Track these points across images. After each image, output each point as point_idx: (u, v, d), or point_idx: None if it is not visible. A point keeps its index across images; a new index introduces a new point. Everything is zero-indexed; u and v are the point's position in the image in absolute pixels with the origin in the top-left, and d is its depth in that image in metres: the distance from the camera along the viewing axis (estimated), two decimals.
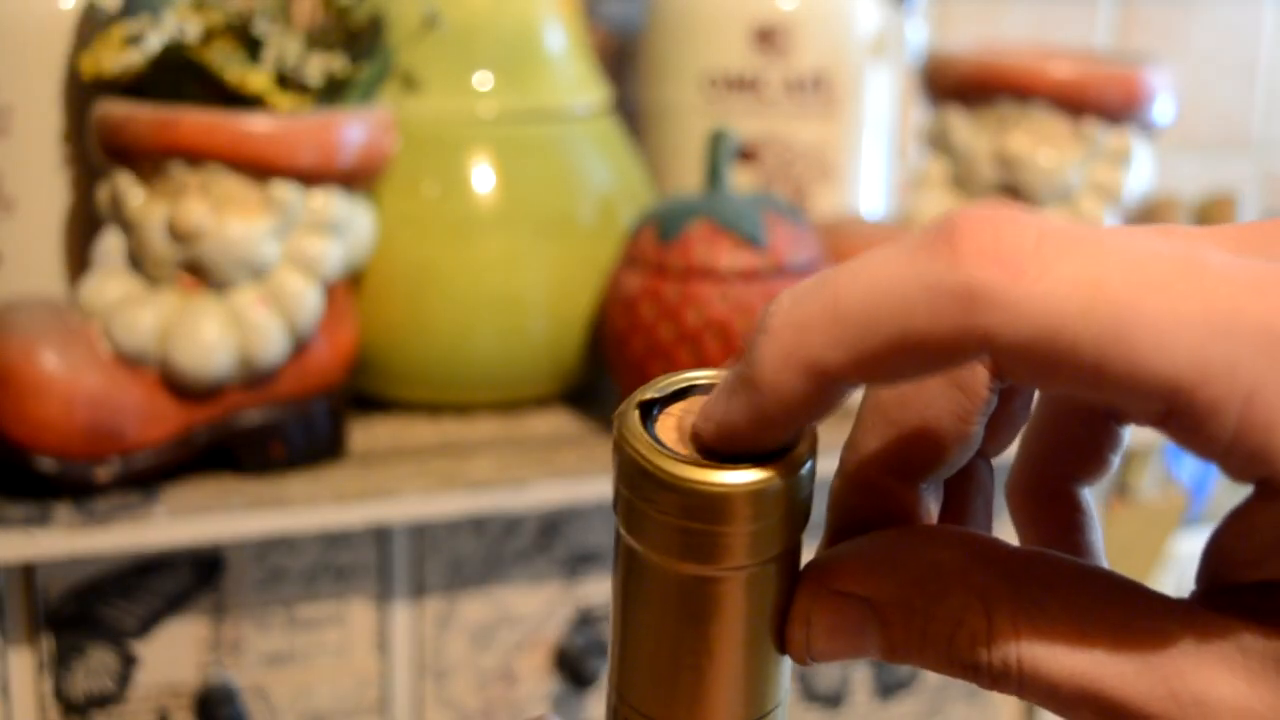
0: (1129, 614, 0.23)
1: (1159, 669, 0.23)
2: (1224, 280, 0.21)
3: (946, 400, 0.25)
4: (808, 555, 0.26)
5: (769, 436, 0.24)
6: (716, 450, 0.24)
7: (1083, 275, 0.21)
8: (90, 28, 0.77)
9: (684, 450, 0.24)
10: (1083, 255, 0.21)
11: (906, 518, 0.26)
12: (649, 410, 0.25)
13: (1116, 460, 0.29)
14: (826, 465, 0.25)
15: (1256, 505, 0.22)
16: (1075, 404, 0.29)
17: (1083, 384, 0.21)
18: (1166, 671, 0.23)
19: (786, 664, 0.26)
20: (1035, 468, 0.29)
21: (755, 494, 0.24)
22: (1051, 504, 0.29)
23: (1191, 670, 0.22)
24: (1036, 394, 0.28)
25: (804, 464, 0.24)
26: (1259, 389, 0.21)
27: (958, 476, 0.28)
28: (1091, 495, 0.30)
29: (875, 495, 0.26)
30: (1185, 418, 0.21)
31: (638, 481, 0.24)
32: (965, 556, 0.24)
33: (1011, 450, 0.29)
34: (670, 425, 0.25)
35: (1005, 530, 0.28)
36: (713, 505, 0.24)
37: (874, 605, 0.25)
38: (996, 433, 0.28)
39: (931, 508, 0.27)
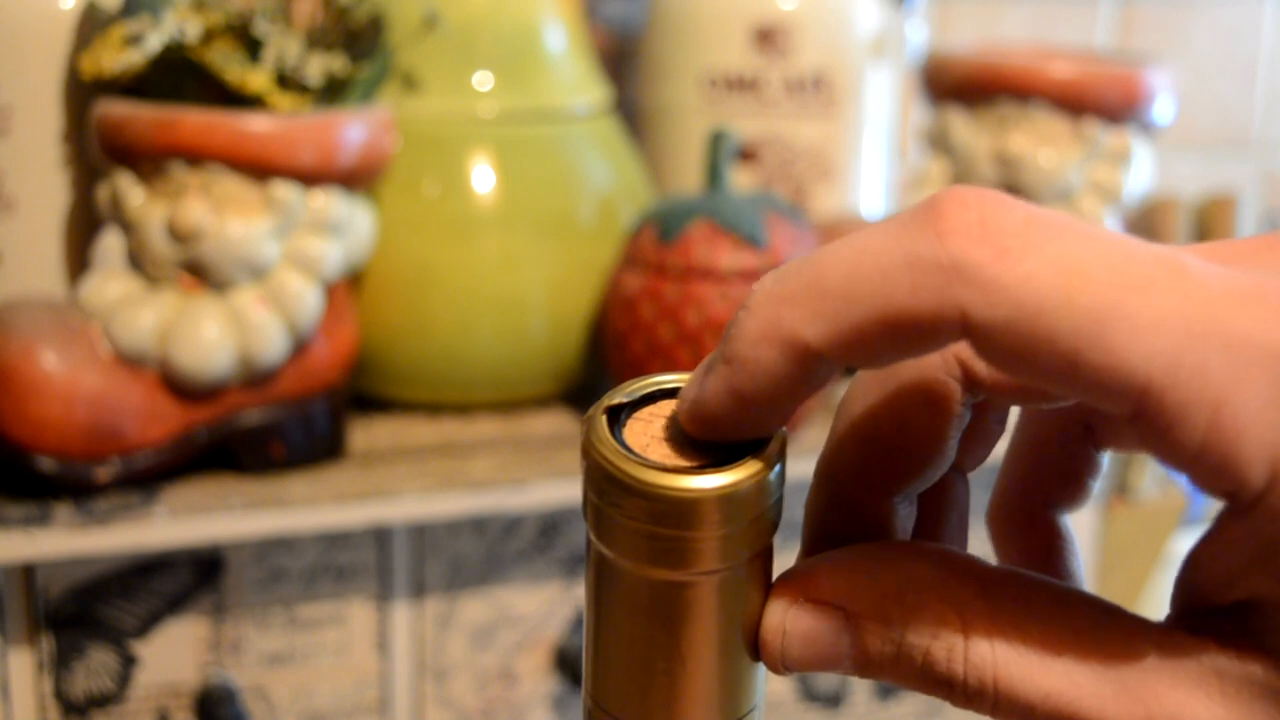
0: (1106, 635, 0.23)
1: (1135, 690, 0.22)
2: (1202, 286, 0.21)
3: (919, 414, 0.25)
4: (783, 566, 0.26)
5: (745, 418, 0.24)
6: (691, 433, 0.24)
7: (1066, 262, 0.21)
8: (90, 28, 0.77)
9: (652, 455, 0.24)
10: (1067, 242, 0.21)
11: (881, 531, 0.26)
12: (617, 415, 0.25)
13: (1096, 486, 0.29)
14: (803, 468, 0.25)
15: (1226, 523, 0.22)
16: (1053, 428, 0.28)
17: (1056, 374, 0.21)
18: (1143, 693, 0.22)
19: (761, 667, 0.26)
20: (1015, 494, 0.29)
21: (723, 498, 0.23)
22: (1032, 530, 0.29)
23: (1167, 692, 0.22)
24: (1014, 412, 0.28)
25: (773, 467, 0.24)
26: (1229, 397, 0.20)
27: (933, 491, 0.28)
28: (1075, 515, 0.30)
29: (850, 509, 0.26)
30: (1154, 420, 0.21)
31: (605, 487, 0.24)
32: (943, 572, 0.24)
33: (987, 463, 0.29)
34: (639, 430, 0.25)
35: (984, 550, 0.28)
36: (681, 510, 0.23)
37: (850, 616, 0.24)
38: (972, 448, 0.28)
39: (906, 521, 0.27)
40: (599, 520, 0.24)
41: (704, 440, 0.24)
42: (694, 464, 0.24)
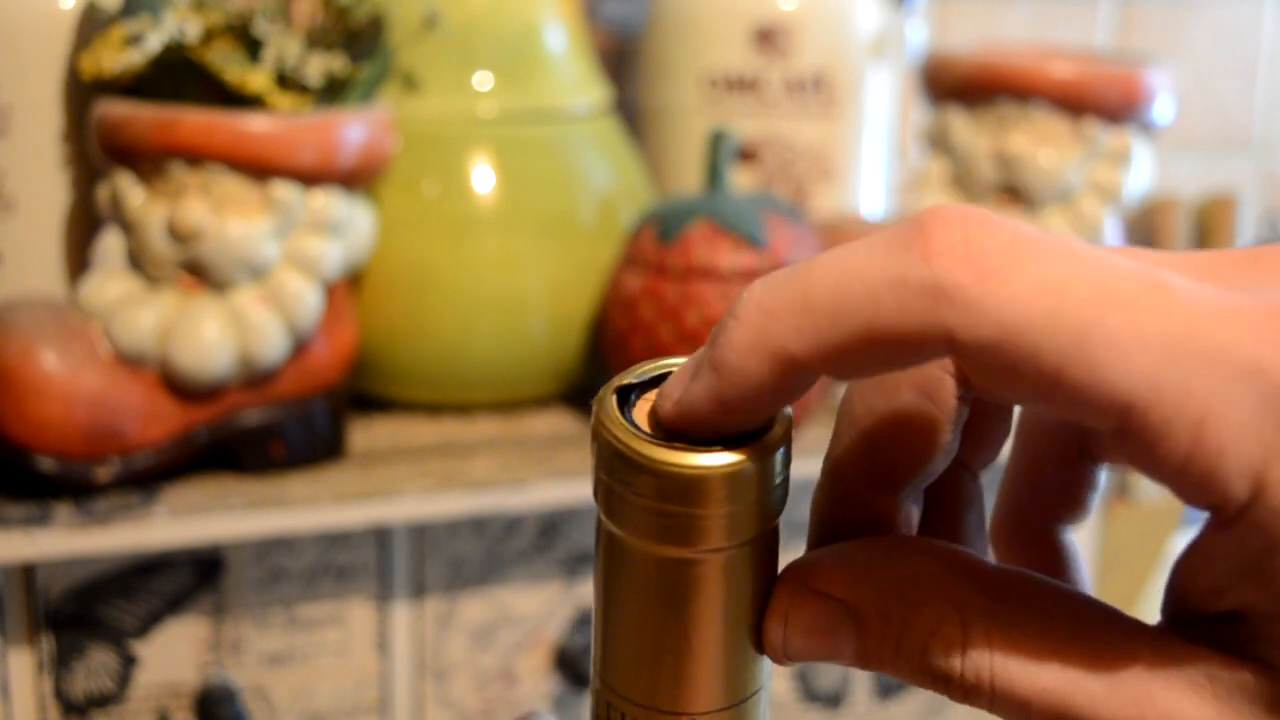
0: (1102, 636, 0.23)
1: (1129, 690, 0.23)
2: (1184, 304, 0.21)
3: (916, 410, 0.26)
4: (789, 557, 0.26)
5: (728, 421, 0.24)
6: (675, 430, 0.25)
7: (1049, 282, 0.21)
8: (90, 28, 0.77)
9: (660, 434, 0.25)
10: (1050, 262, 0.22)
11: (886, 527, 0.27)
12: (627, 396, 0.26)
13: (1095, 501, 0.29)
14: (807, 467, 0.25)
15: (1212, 535, 0.23)
16: (1050, 446, 0.29)
17: (1040, 392, 0.22)
18: (1136, 693, 0.23)
19: None
20: (1016, 513, 0.30)
21: (730, 476, 0.24)
22: (1035, 547, 0.30)
23: (1161, 692, 0.23)
24: (1016, 413, 0.29)
25: (778, 448, 0.25)
26: (1211, 414, 0.21)
27: (947, 492, 0.28)
28: (1075, 532, 0.30)
29: (854, 505, 0.27)
30: (1138, 437, 0.21)
31: (614, 465, 0.24)
32: (945, 569, 0.25)
33: (999, 457, 0.29)
34: (647, 410, 0.26)
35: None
36: (688, 487, 0.24)
37: (851, 609, 0.25)
38: (979, 446, 0.28)
39: (912, 517, 0.27)
40: (609, 499, 0.25)
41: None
42: (702, 443, 0.24)
